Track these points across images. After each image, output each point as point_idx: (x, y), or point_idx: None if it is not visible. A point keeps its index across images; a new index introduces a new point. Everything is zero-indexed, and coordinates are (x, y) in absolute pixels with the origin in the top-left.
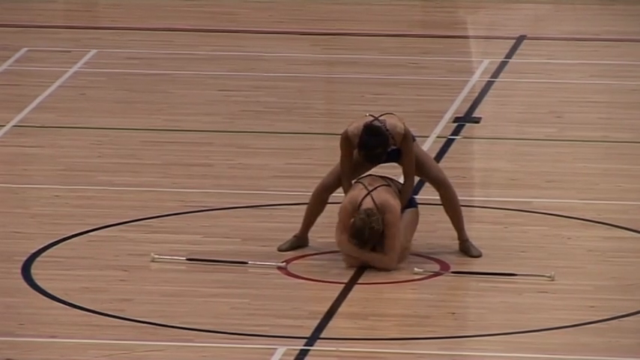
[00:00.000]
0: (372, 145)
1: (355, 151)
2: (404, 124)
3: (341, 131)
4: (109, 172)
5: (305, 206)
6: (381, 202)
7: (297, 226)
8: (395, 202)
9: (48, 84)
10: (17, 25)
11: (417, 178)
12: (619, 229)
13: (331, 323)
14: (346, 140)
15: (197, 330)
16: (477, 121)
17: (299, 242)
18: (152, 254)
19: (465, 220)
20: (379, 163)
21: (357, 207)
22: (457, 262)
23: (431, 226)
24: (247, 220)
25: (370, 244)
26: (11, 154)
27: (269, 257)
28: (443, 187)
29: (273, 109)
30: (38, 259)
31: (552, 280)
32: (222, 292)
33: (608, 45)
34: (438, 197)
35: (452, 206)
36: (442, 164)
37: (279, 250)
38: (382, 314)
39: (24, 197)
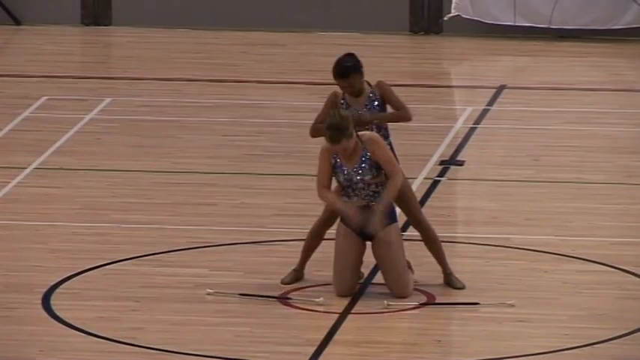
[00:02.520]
0: (343, 60)
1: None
2: None
3: None
4: (121, 210)
5: (302, 242)
6: (366, 138)
7: (294, 261)
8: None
9: (66, 130)
10: (38, 75)
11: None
12: (591, 263)
13: (327, 350)
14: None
15: (204, 356)
16: (460, 163)
17: (298, 275)
18: (207, 290)
19: (450, 254)
20: (346, 78)
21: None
22: (442, 294)
23: (418, 260)
24: (249, 255)
25: (349, 132)
26: (32, 195)
27: (269, 289)
28: (424, 230)
29: (273, 152)
30: (57, 290)
31: (513, 307)
32: (226, 321)
33: (581, 94)
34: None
35: (433, 244)
36: (429, 204)
37: (283, 283)
38: (373, 341)
39: (44, 234)
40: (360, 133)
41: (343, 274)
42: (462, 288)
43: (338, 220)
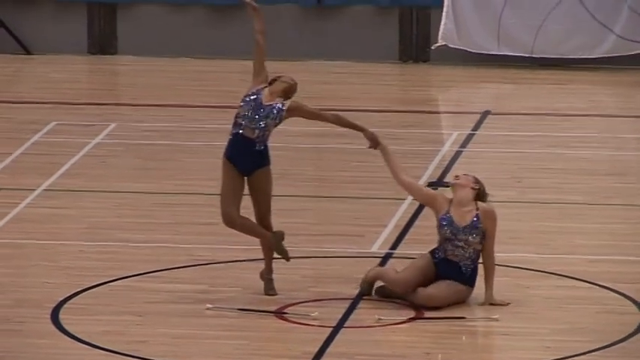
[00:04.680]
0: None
1: None
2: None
3: (331, 194)
4: (126, 230)
5: (297, 259)
6: (484, 208)
7: (290, 277)
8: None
9: (74, 153)
10: (48, 102)
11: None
12: (571, 280)
13: None
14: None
15: None
16: (447, 185)
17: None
18: (207, 305)
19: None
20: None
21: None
22: (431, 310)
23: None
24: (247, 272)
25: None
26: (42, 215)
27: (267, 304)
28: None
29: None
30: (65, 306)
31: (498, 321)
32: (225, 335)
33: (561, 119)
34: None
35: (268, 250)
36: (417, 223)
37: (268, 294)
38: (365, 354)
39: (53, 252)
40: (481, 203)
41: (412, 281)
42: (275, 295)
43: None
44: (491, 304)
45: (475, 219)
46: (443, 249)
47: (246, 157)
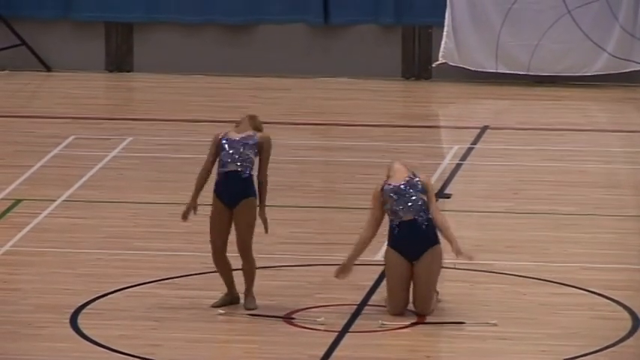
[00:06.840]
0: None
1: None
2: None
3: (337, 204)
4: (142, 239)
5: (305, 267)
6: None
7: (297, 284)
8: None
9: (92, 166)
10: (67, 117)
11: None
12: (565, 287)
13: None
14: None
15: None
16: (448, 196)
17: (230, 299)
18: (219, 310)
19: (439, 279)
20: None
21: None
22: (432, 315)
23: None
24: (256, 279)
25: None
26: (61, 224)
27: (275, 309)
28: (246, 260)
29: (279, 186)
30: (84, 311)
31: (496, 326)
32: (236, 339)
33: (556, 134)
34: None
35: (249, 274)
36: None
37: (213, 306)
38: (369, 358)
39: (72, 260)
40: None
41: (398, 295)
42: (255, 308)
43: (385, 246)
44: (459, 254)
45: (410, 176)
46: (397, 217)
47: (233, 189)
